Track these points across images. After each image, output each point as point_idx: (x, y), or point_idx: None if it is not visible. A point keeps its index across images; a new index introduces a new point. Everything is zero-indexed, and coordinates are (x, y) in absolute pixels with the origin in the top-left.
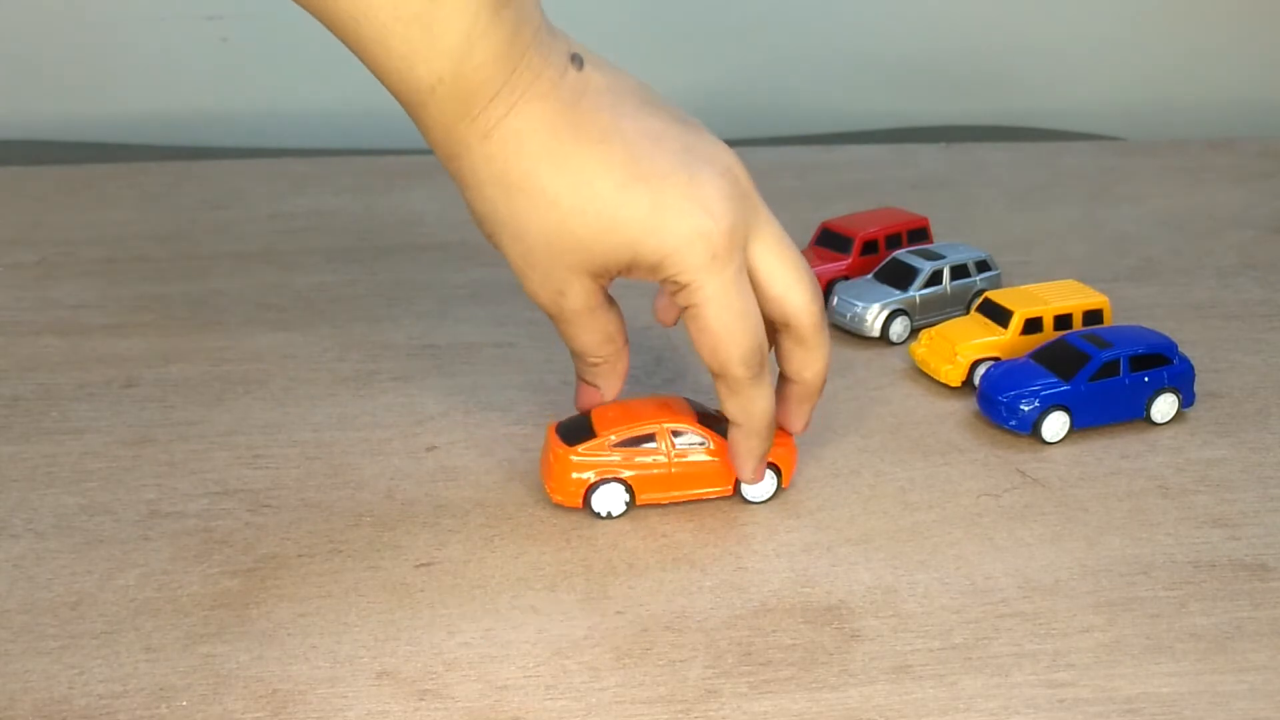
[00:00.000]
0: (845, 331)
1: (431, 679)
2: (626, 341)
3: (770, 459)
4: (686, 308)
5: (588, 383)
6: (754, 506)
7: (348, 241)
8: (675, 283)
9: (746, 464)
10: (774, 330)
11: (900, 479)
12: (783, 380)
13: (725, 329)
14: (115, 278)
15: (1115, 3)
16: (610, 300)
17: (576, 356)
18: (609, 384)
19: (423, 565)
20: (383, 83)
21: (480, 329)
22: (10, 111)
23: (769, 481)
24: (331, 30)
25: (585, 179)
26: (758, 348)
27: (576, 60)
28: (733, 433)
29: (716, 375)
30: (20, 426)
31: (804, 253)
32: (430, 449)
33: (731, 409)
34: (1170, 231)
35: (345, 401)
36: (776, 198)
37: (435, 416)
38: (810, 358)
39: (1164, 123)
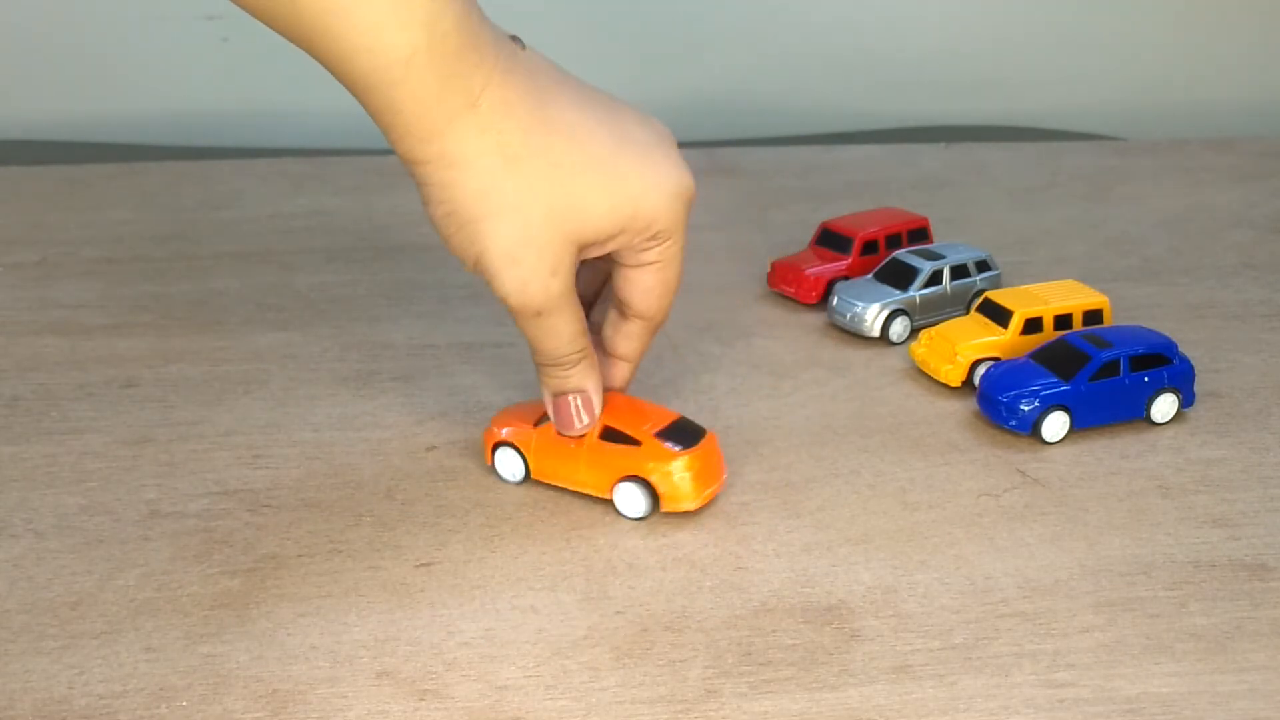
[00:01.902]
0: (845, 331)
1: (431, 679)
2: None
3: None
4: (655, 262)
5: (572, 391)
6: (754, 506)
7: (348, 241)
8: (657, 239)
9: (626, 387)
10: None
11: (900, 479)
12: (616, 357)
13: (679, 277)
14: (115, 278)
15: (1115, 3)
16: None
17: (554, 365)
18: (592, 382)
19: (423, 565)
20: (345, 71)
21: (480, 329)
22: (10, 111)
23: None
24: (281, 19)
25: (580, 142)
26: None
27: (518, 41)
28: (620, 368)
29: (646, 319)
30: (20, 426)
31: (804, 253)
32: (430, 449)
33: (635, 347)
34: (1170, 231)
35: (345, 401)
36: (776, 198)
37: (435, 416)
38: (649, 339)
39: (1164, 123)
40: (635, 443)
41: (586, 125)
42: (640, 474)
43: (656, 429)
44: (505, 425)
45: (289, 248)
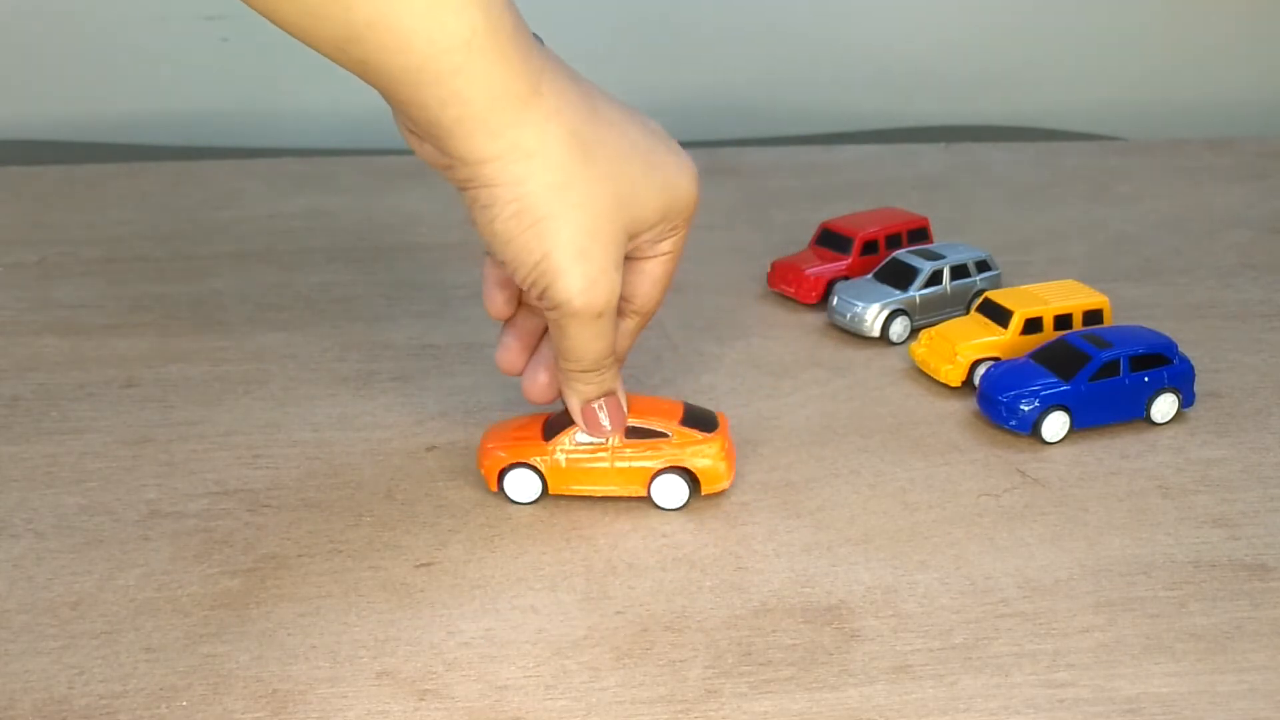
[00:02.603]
0: (845, 331)
1: (431, 679)
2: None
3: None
4: (668, 253)
5: (606, 394)
6: (754, 506)
7: (348, 241)
8: (678, 228)
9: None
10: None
11: (900, 479)
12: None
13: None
14: (115, 278)
15: (1115, 3)
16: None
17: (589, 371)
18: (619, 381)
19: (423, 565)
20: (400, 66)
21: (480, 329)
22: (10, 111)
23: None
24: (335, 30)
25: (623, 130)
26: None
27: (537, 38)
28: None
29: (643, 314)
30: (20, 426)
31: (804, 253)
32: (430, 449)
33: (631, 344)
34: (1170, 231)
35: (345, 401)
36: (777, 198)
37: (435, 416)
38: (634, 337)
39: (1164, 123)
40: (664, 435)
41: (621, 114)
42: (680, 463)
43: (677, 419)
44: (507, 447)
45: (289, 248)
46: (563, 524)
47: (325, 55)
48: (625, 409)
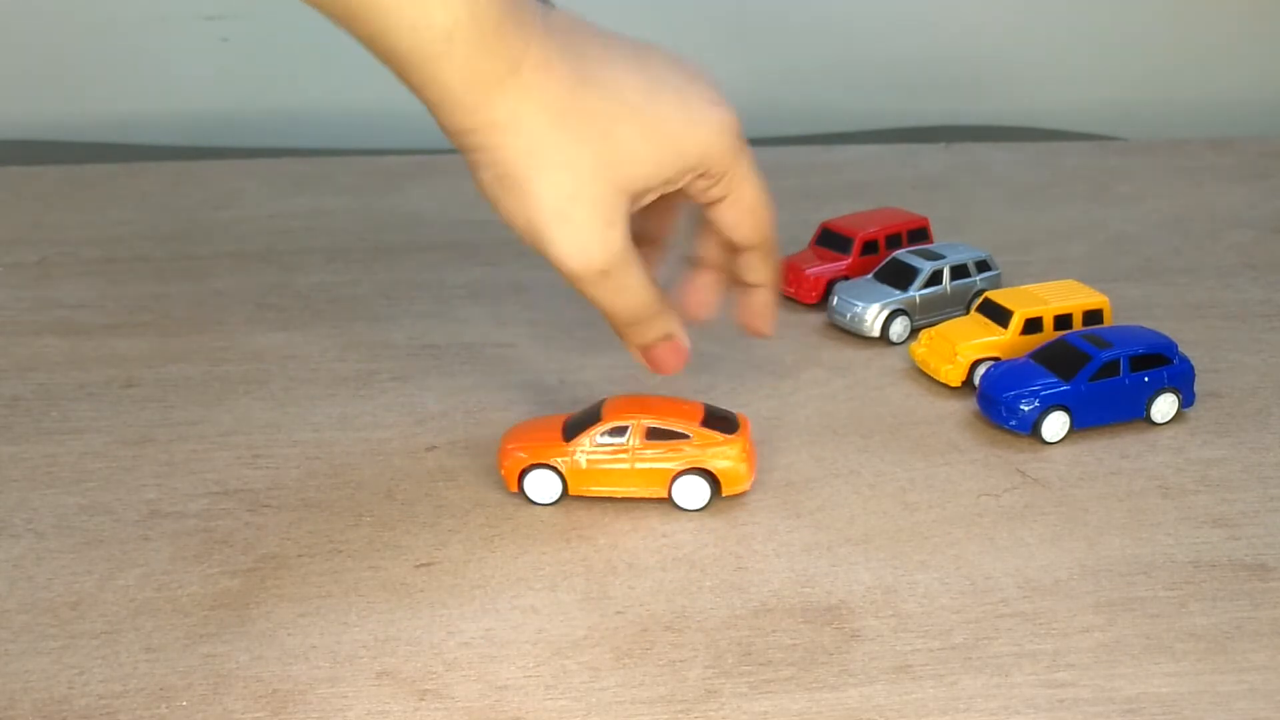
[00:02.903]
0: (845, 331)
1: (431, 679)
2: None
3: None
4: (724, 197)
5: (665, 337)
6: (754, 506)
7: (348, 241)
8: (713, 175)
9: (771, 319)
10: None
11: (900, 479)
12: (747, 290)
13: (763, 198)
14: (115, 278)
15: (1115, 3)
16: None
17: (635, 322)
18: (676, 322)
19: (423, 565)
20: (387, 47)
21: (480, 329)
22: (10, 111)
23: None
24: (333, 5)
25: (616, 93)
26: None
27: (546, 1)
28: (759, 295)
29: (753, 248)
30: (20, 426)
31: (804, 253)
32: (430, 449)
33: (765, 274)
34: (1170, 231)
35: (345, 401)
36: (777, 198)
37: (435, 416)
38: (771, 260)
39: (1164, 123)
40: (685, 436)
41: (621, 75)
42: (702, 464)
43: (698, 420)
44: (528, 448)
45: (289, 248)
46: (563, 524)
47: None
48: (687, 345)
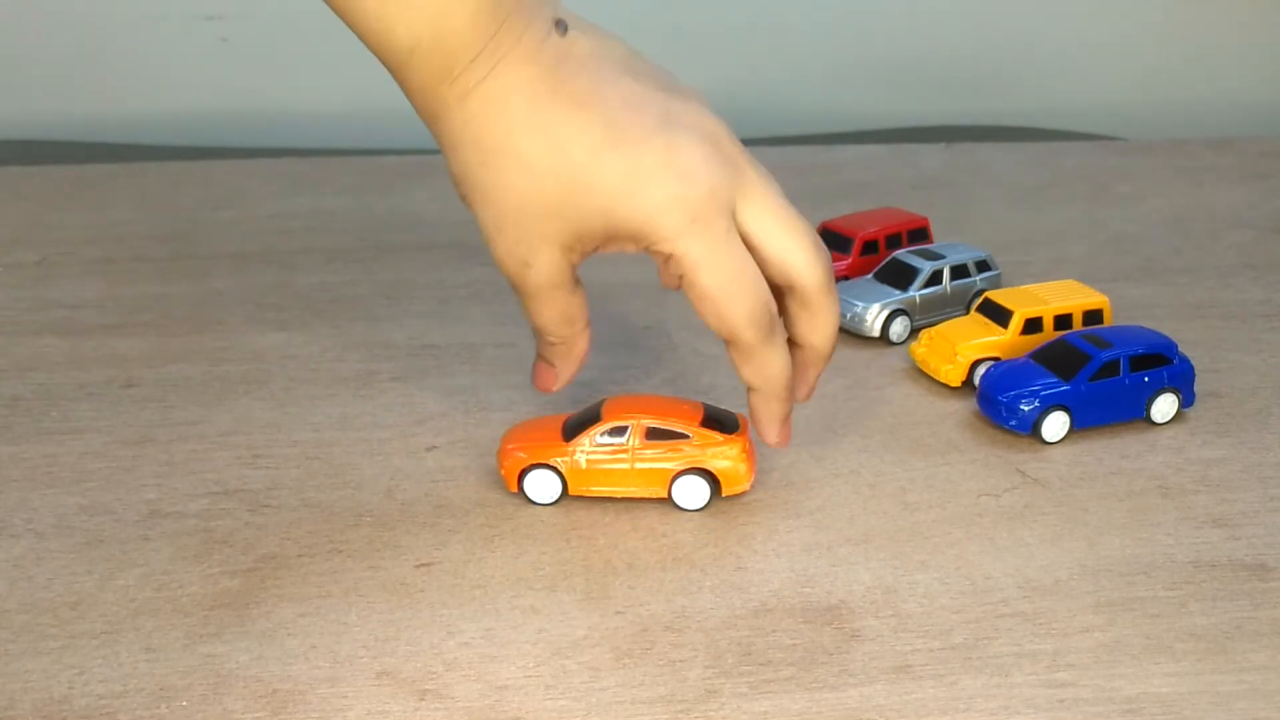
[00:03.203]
0: (845, 331)
1: (431, 679)
2: (587, 326)
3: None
4: (680, 276)
5: (545, 361)
6: (754, 506)
7: (348, 241)
8: (659, 252)
9: (770, 428)
10: (780, 294)
11: (900, 479)
12: (790, 345)
13: (723, 291)
14: (115, 278)
15: (1115, 2)
16: (576, 282)
17: (536, 333)
18: (564, 366)
19: (423, 565)
20: (364, 44)
21: (480, 329)
22: (10, 111)
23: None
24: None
25: (560, 143)
26: (764, 307)
27: (560, 25)
28: (752, 398)
29: (727, 341)
30: (20, 426)
31: None
32: (430, 449)
33: (747, 374)
34: (1170, 231)
35: (345, 401)
36: None
37: (435, 416)
38: (816, 321)
39: (1164, 123)
40: (685, 436)
41: (579, 126)
42: (701, 464)
43: (698, 420)
44: (527, 448)
45: (289, 248)
46: (563, 524)
47: None
48: (555, 378)
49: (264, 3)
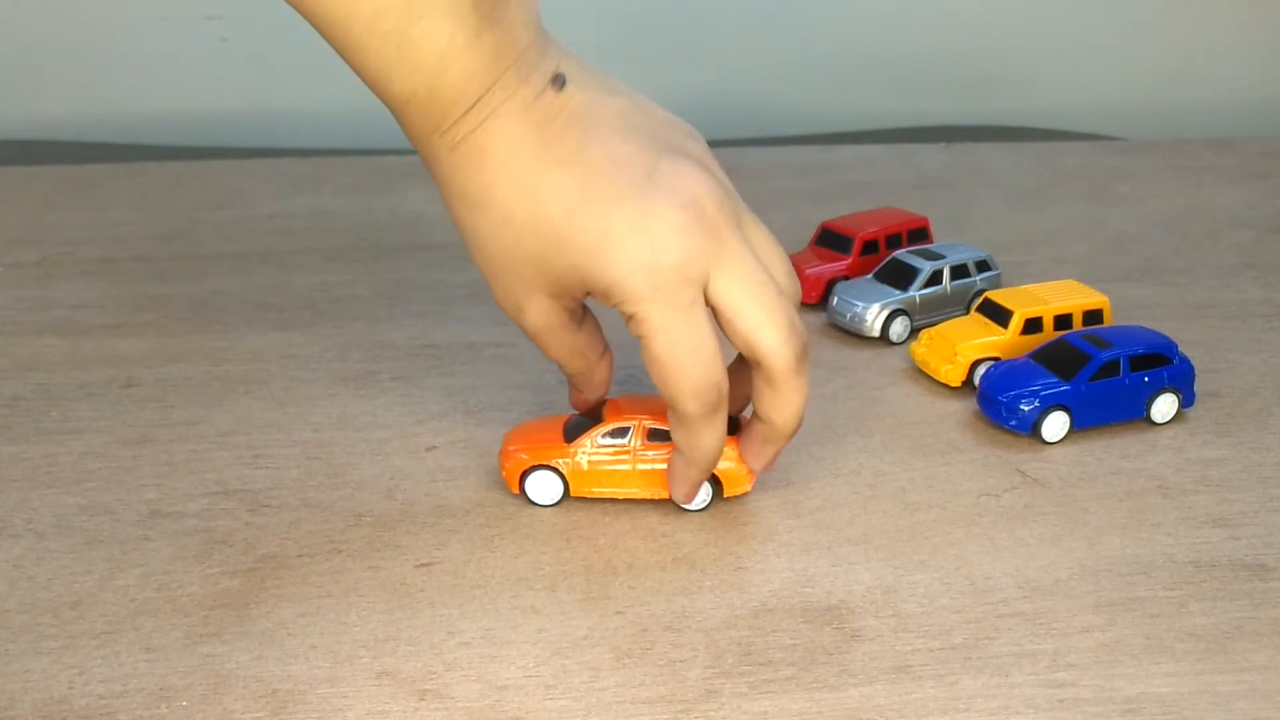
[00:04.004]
0: (845, 331)
1: (431, 679)
2: (604, 355)
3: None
4: (637, 336)
5: (574, 386)
6: (754, 506)
7: (348, 241)
8: (622, 311)
9: (679, 488)
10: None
11: (900, 479)
12: (754, 416)
13: (673, 362)
14: (115, 278)
15: (1115, 2)
16: (579, 321)
17: (565, 369)
18: (589, 391)
19: (423, 565)
20: (366, 86)
21: (480, 329)
22: (10, 111)
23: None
24: (320, 34)
25: (538, 200)
26: (711, 385)
27: (558, 80)
28: (675, 457)
29: (669, 405)
30: (20, 426)
31: (804, 253)
32: (430, 449)
33: (677, 438)
34: (1170, 231)
35: (345, 401)
36: (777, 198)
37: (435, 416)
38: (780, 401)
39: (1164, 123)
40: None
41: (557, 186)
42: None
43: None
44: (529, 449)
45: (289, 248)
46: (563, 524)
47: None
48: (585, 402)
49: (264, 3)
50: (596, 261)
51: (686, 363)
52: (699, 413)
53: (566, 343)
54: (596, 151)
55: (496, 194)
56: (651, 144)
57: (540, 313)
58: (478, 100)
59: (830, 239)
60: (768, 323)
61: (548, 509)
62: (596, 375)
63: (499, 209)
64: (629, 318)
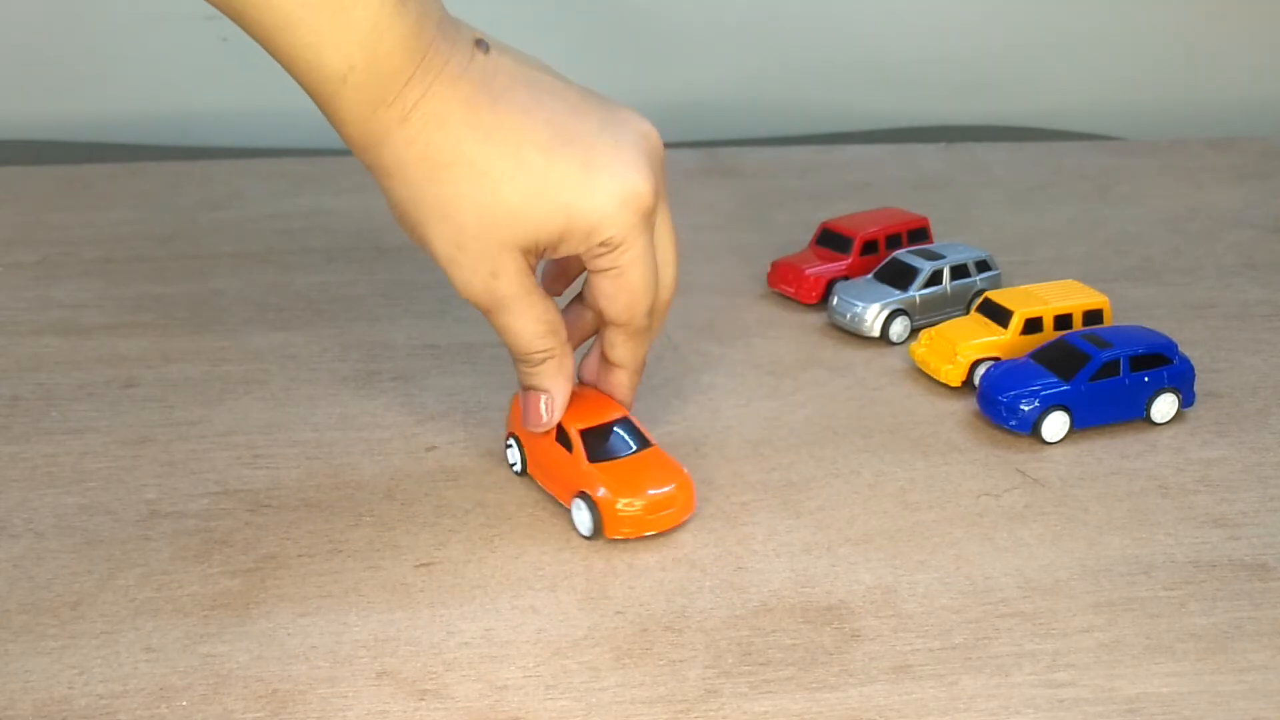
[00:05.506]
0: (845, 331)
1: (431, 679)
2: (568, 339)
3: (587, 490)
4: (609, 269)
5: (534, 389)
6: (754, 506)
7: (348, 241)
8: (607, 244)
9: (629, 397)
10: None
11: (900, 479)
12: (609, 362)
13: (645, 284)
14: (115, 278)
15: (1115, 3)
16: (543, 290)
17: (520, 361)
18: (556, 384)
19: (423, 565)
20: (291, 75)
21: (480, 329)
22: (10, 111)
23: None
24: (236, 22)
25: (512, 147)
26: (659, 298)
27: (482, 45)
28: (617, 374)
29: (619, 325)
30: (20, 426)
31: (804, 253)
32: (430, 449)
33: (622, 354)
34: (1170, 231)
35: (345, 401)
36: (776, 198)
37: (435, 416)
38: (647, 337)
39: (1164, 123)
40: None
41: (527, 131)
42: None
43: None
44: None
45: (289, 248)
46: (563, 524)
47: None
48: (557, 411)
49: None
50: (586, 196)
51: (653, 283)
52: (649, 324)
53: (539, 309)
54: (549, 99)
55: (466, 149)
56: (587, 93)
57: (515, 273)
58: (417, 68)
59: (830, 239)
60: (673, 260)
61: (548, 509)
62: (566, 361)
63: (471, 164)
64: (612, 249)
